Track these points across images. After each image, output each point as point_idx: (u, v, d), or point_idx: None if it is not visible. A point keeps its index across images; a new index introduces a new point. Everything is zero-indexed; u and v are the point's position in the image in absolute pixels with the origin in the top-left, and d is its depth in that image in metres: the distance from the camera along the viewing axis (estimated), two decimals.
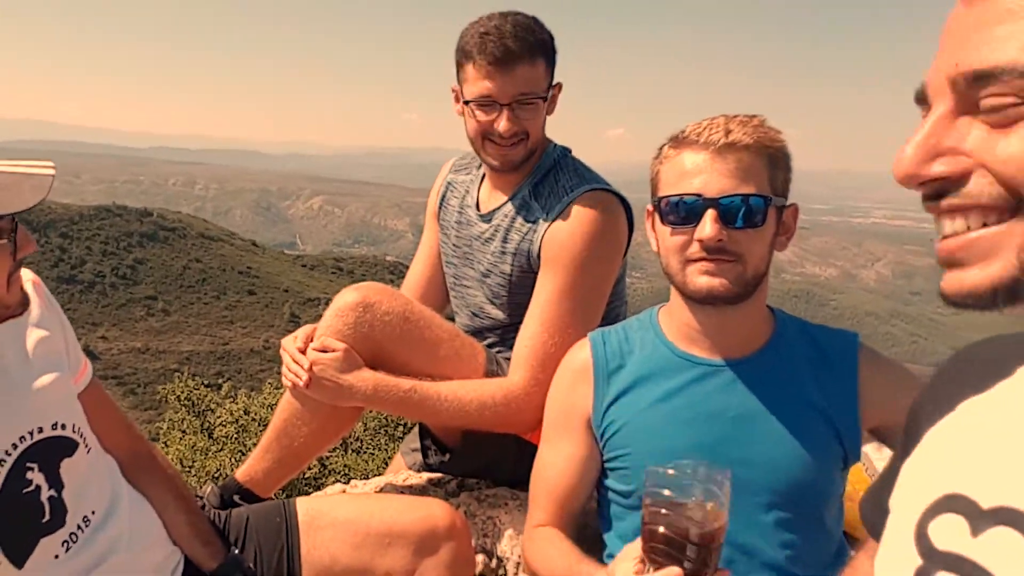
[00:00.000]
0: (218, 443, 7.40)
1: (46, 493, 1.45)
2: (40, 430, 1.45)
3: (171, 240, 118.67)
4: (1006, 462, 0.71)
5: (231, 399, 8.15)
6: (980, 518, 0.69)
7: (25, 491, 1.42)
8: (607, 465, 1.62)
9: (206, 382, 8.72)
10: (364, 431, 7.52)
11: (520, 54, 1.97)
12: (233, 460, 6.92)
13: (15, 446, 1.41)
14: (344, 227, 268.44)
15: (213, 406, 8.11)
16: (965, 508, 0.71)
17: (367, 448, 7.35)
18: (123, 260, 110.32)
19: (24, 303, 1.42)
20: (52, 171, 1.29)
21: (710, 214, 1.40)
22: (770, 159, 1.45)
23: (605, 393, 1.63)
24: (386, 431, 7.54)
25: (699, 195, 1.42)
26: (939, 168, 0.70)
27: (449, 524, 1.77)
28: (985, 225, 0.67)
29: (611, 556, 1.70)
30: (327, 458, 7.06)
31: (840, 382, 1.52)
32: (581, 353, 1.71)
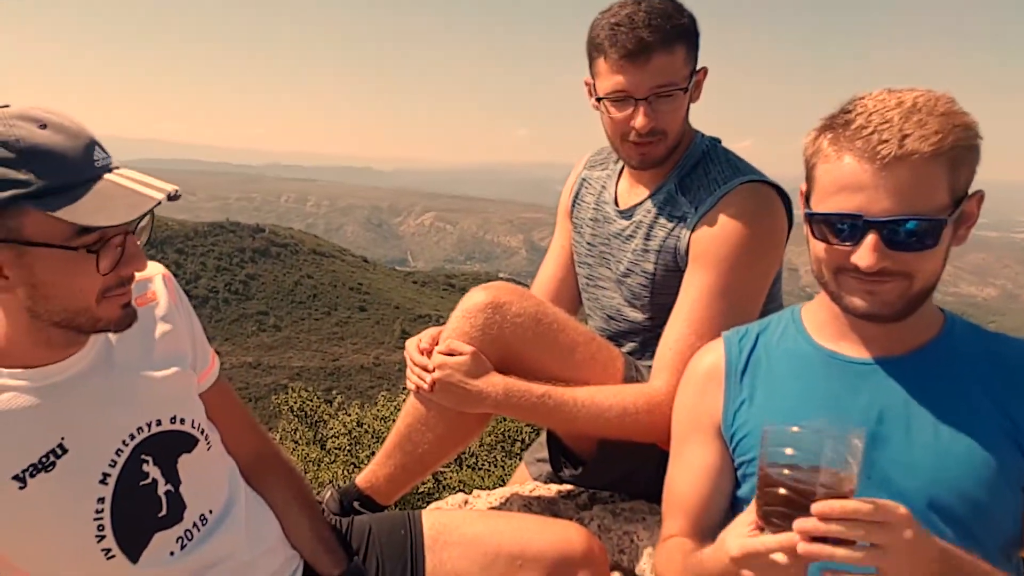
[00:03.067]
0: (331, 454, 7.59)
1: (163, 487, 1.47)
2: (158, 423, 1.48)
3: (283, 256, 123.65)
4: None
5: (343, 411, 8.37)
6: None
7: (142, 483, 1.45)
8: (739, 472, 1.54)
9: (319, 396, 8.99)
10: (480, 447, 7.55)
11: (655, 44, 1.90)
12: (346, 471, 7.07)
13: (132, 437, 1.44)
14: (456, 243, 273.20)
15: (326, 417, 8.35)
16: None
17: (483, 464, 7.37)
18: (236, 276, 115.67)
19: (125, 322, 1.40)
20: (161, 195, 1.28)
21: (871, 239, 1.26)
22: (953, 162, 1.27)
23: (737, 396, 1.55)
24: (503, 447, 7.55)
25: (860, 215, 1.28)
26: None
27: (586, 550, 1.71)
28: None
29: None
30: (442, 473, 7.12)
31: (1021, 385, 1.37)
32: (713, 354, 1.63)
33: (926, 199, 1.26)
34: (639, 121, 1.96)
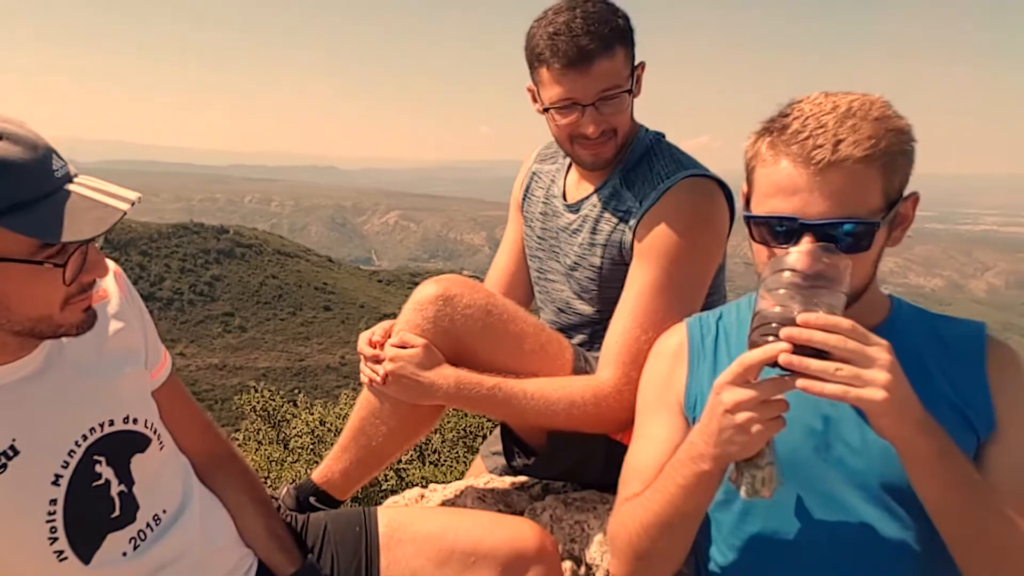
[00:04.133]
0: (294, 453, 7.54)
1: (116, 488, 1.45)
2: (111, 423, 1.45)
3: (248, 257, 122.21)
4: None
5: (307, 410, 8.31)
6: None
7: (95, 484, 1.42)
8: None
9: (282, 395, 8.93)
10: (442, 443, 7.54)
11: (596, 50, 1.89)
12: (308, 470, 7.01)
13: (84, 437, 1.41)
14: (420, 242, 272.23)
15: (289, 417, 8.29)
16: None
17: (445, 460, 7.36)
18: (200, 277, 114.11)
19: (85, 325, 1.39)
20: (125, 205, 1.27)
21: (806, 242, 1.27)
22: (886, 167, 1.29)
23: (699, 376, 1.57)
24: (464, 442, 7.54)
25: (795, 218, 1.29)
26: None
27: (538, 546, 1.72)
28: None
29: (703, 562, 1.64)
30: (404, 469, 7.10)
31: (967, 371, 1.40)
32: (677, 335, 1.65)
33: (860, 202, 1.28)
34: (589, 128, 1.97)
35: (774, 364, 1.21)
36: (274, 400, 8.57)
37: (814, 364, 1.17)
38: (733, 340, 1.58)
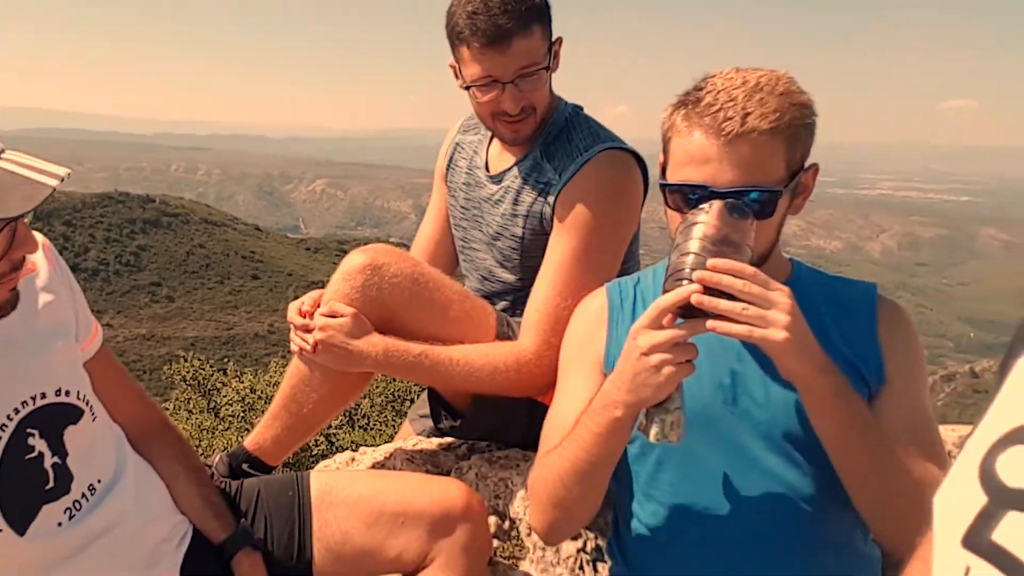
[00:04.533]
0: (225, 422, 7.41)
1: (49, 460, 1.42)
2: (43, 396, 1.42)
3: (174, 226, 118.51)
4: None
5: (236, 378, 8.16)
6: None
7: (27, 457, 1.40)
8: None
9: (212, 364, 8.74)
10: (371, 407, 7.51)
11: (514, 29, 1.89)
12: (240, 438, 6.90)
13: (16, 411, 1.38)
14: (347, 210, 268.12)
15: (219, 385, 8.13)
16: None
17: (374, 424, 7.34)
18: (127, 247, 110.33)
19: (11, 303, 1.37)
20: (55, 182, 1.23)
21: (715, 208, 1.32)
22: (790, 139, 1.35)
23: (618, 337, 1.59)
24: (392, 406, 7.53)
25: (706, 186, 1.35)
26: None
27: (465, 505, 1.74)
28: None
29: (617, 516, 1.69)
30: (334, 434, 7.05)
31: (860, 328, 1.47)
32: (597, 300, 1.68)
33: (765, 172, 1.34)
34: (508, 105, 1.98)
35: (685, 312, 1.27)
36: (204, 369, 8.38)
37: (723, 304, 1.23)
38: (650, 302, 1.56)
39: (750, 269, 1.25)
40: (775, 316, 1.24)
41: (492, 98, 1.99)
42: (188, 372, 8.26)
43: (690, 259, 1.27)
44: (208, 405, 8.02)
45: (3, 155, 1.24)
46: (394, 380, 7.49)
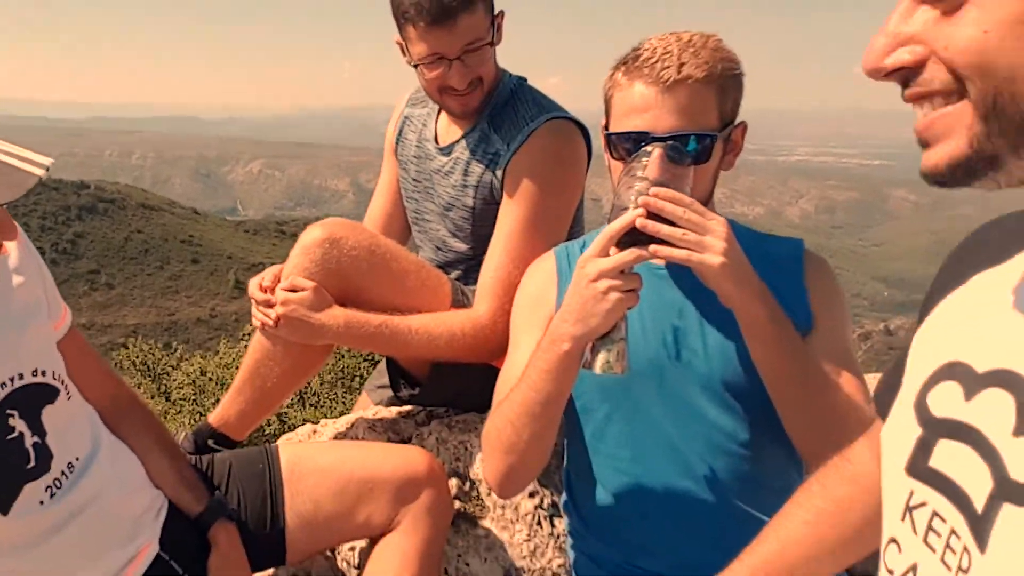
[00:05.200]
0: (176, 405, 7.29)
1: (30, 440, 1.42)
2: (20, 376, 1.41)
3: (111, 212, 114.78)
4: (1005, 329, 0.72)
5: (186, 361, 8.02)
6: (974, 382, 0.71)
7: (9, 437, 1.39)
8: None
9: (160, 348, 8.56)
10: (321, 385, 7.47)
11: (458, 7, 1.90)
12: (192, 421, 6.82)
13: None
14: (285, 190, 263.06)
15: (169, 369, 7.98)
16: (962, 374, 0.72)
17: (325, 402, 7.31)
18: (63, 235, 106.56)
19: None
20: (40, 171, 1.20)
21: (656, 153, 1.38)
22: (721, 88, 1.44)
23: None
24: (343, 383, 7.50)
25: (647, 132, 1.42)
26: (898, 58, 0.70)
27: (427, 471, 1.78)
28: (944, 107, 0.68)
29: (569, 471, 1.74)
30: (285, 414, 7.01)
31: (789, 281, 1.52)
32: (546, 262, 1.73)
33: (701, 118, 1.42)
34: (455, 80, 1.99)
35: (630, 242, 1.31)
36: (153, 353, 8.22)
37: (664, 228, 1.28)
38: None
39: (688, 199, 1.31)
40: (712, 242, 1.30)
41: (439, 75, 2.00)
42: (137, 357, 8.09)
43: (634, 192, 1.32)
44: (159, 389, 7.87)
45: None
46: (342, 357, 7.45)
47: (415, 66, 2.03)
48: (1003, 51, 0.63)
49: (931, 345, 0.79)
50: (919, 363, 0.79)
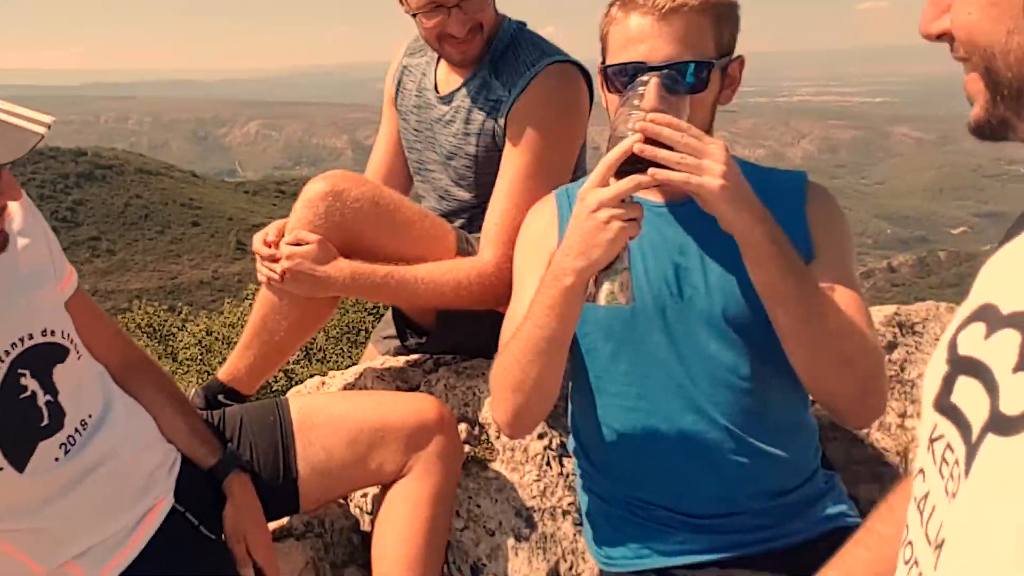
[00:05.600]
0: (183, 365, 7.34)
1: (43, 398, 1.44)
2: (30, 336, 1.43)
3: (109, 178, 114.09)
4: None
5: (192, 322, 8.04)
6: (997, 323, 0.72)
7: (22, 396, 1.41)
8: None
9: (165, 310, 8.58)
10: (326, 340, 7.51)
11: None
12: (200, 380, 6.88)
13: (7, 352, 1.39)
14: (283, 150, 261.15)
15: (175, 330, 8.00)
16: (990, 315, 0.74)
17: (331, 356, 7.35)
18: (62, 203, 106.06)
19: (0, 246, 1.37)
20: (42, 129, 1.21)
21: (654, 82, 1.37)
22: (717, 17, 1.43)
23: None
24: (348, 337, 7.54)
25: (644, 62, 1.41)
26: (940, 25, 0.76)
27: (437, 417, 1.80)
28: (970, 73, 0.75)
29: (574, 412, 1.76)
30: (292, 370, 7.06)
31: (790, 211, 1.51)
32: (547, 204, 1.72)
33: (698, 46, 1.42)
34: (455, 28, 1.97)
35: (628, 171, 1.29)
36: (159, 315, 8.24)
37: (662, 153, 1.27)
38: None
39: (686, 124, 1.29)
40: (710, 165, 1.28)
41: (438, 23, 1.97)
42: (143, 319, 8.12)
43: (632, 119, 1.30)
44: (165, 350, 7.92)
45: None
46: (347, 312, 7.48)
47: (413, 15, 2.00)
48: (982, 30, 0.70)
49: (978, 286, 0.81)
50: (964, 304, 0.81)
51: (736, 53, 1.51)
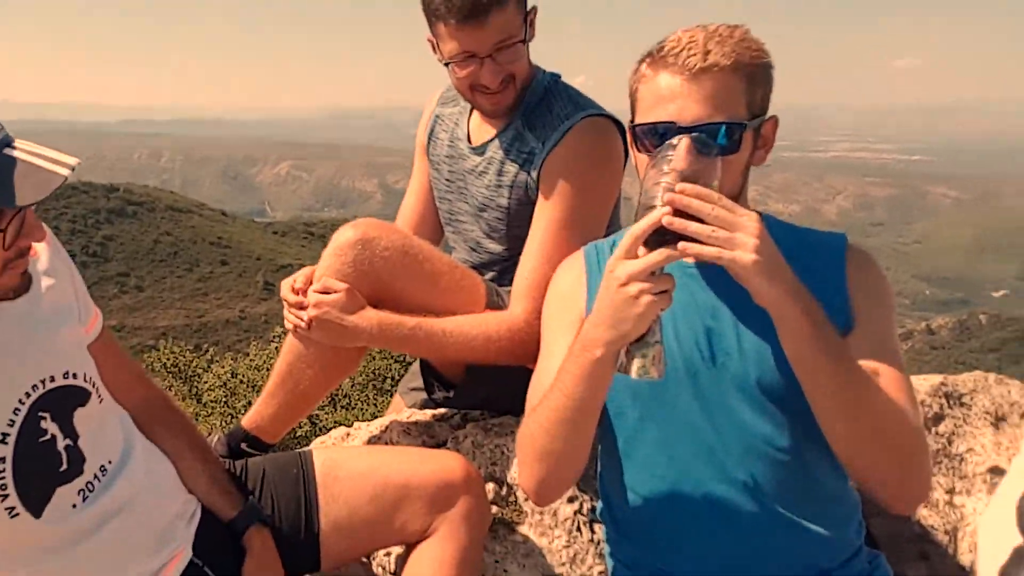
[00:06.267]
0: (207, 408, 7.35)
1: (62, 442, 1.42)
2: (52, 379, 1.42)
3: (140, 215, 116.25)
4: None
5: (217, 363, 8.08)
6: None
7: (41, 440, 1.39)
8: None
9: (191, 351, 8.63)
10: (352, 387, 7.49)
11: (489, 4, 1.88)
12: (224, 423, 6.88)
13: (28, 394, 1.38)
14: (313, 191, 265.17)
15: (199, 371, 8.04)
16: None
17: (356, 403, 7.33)
18: (92, 238, 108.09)
19: (22, 289, 1.38)
20: (66, 171, 1.23)
21: (684, 143, 1.34)
22: (749, 78, 1.41)
23: (596, 294, 1.61)
24: (374, 385, 7.52)
25: (674, 122, 1.39)
26: None
27: (464, 477, 1.76)
28: None
29: (603, 476, 1.70)
30: (317, 416, 7.04)
31: (829, 274, 1.48)
32: (575, 260, 1.70)
33: (728, 107, 1.39)
34: (487, 79, 1.97)
35: (658, 242, 1.26)
36: (184, 355, 8.30)
37: (692, 226, 1.23)
38: None
39: (716, 194, 1.26)
40: (743, 239, 1.24)
41: (470, 72, 1.98)
42: (168, 359, 8.18)
43: (661, 187, 1.27)
44: (190, 391, 7.95)
45: (13, 144, 1.24)
46: (373, 360, 7.47)
47: (446, 64, 2.01)
48: None
49: None
50: None
51: (769, 111, 1.49)
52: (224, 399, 7.30)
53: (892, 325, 1.50)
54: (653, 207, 1.27)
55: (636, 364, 1.30)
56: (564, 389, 1.39)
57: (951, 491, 2.14)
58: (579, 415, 1.40)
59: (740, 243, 1.24)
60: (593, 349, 1.33)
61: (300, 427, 6.61)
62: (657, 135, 1.41)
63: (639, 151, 1.47)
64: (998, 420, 2.25)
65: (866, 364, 1.38)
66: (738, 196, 1.47)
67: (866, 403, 1.32)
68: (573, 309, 1.62)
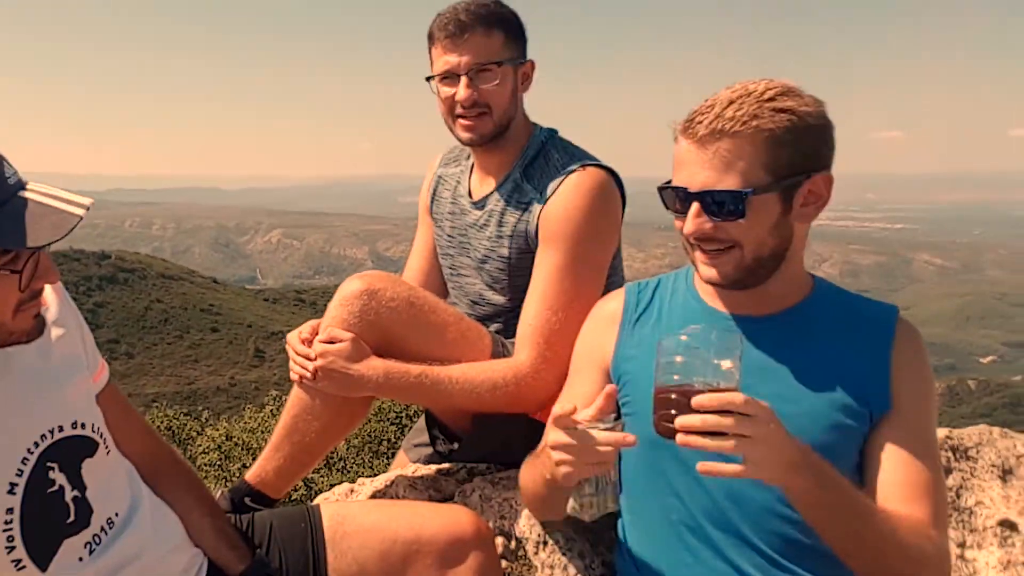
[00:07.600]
0: (202, 471, 7.24)
1: (70, 493, 1.40)
2: (60, 428, 1.40)
3: (131, 282, 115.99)
4: None
5: (211, 426, 7.98)
6: None
7: (49, 491, 1.37)
8: (621, 411, 1.59)
9: (185, 414, 8.53)
10: (347, 449, 7.40)
11: (472, 24, 2.01)
12: (219, 486, 6.74)
13: (37, 444, 1.36)
14: (303, 259, 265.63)
15: (193, 435, 7.94)
16: None
17: (351, 467, 7.22)
18: (83, 304, 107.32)
19: (35, 332, 1.38)
20: (81, 211, 1.24)
21: (694, 208, 1.38)
22: (766, 142, 1.37)
23: (629, 339, 1.61)
24: (369, 447, 7.43)
25: (684, 188, 1.42)
26: None
27: (474, 531, 1.74)
28: None
29: (623, 524, 1.69)
30: (311, 479, 6.93)
31: (874, 349, 1.47)
32: (616, 300, 1.71)
33: (734, 173, 1.37)
34: (460, 93, 2.05)
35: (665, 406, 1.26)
36: (178, 419, 8.20)
37: (711, 444, 1.21)
38: (666, 310, 1.63)
39: (738, 398, 1.21)
40: (761, 445, 1.22)
41: (452, 93, 2.06)
42: (163, 423, 8.08)
43: (697, 381, 1.25)
44: (184, 455, 7.84)
45: (28, 186, 1.25)
46: (369, 422, 7.39)
47: (431, 80, 2.11)
48: None
49: None
50: None
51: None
52: (219, 462, 7.19)
53: (933, 413, 1.48)
54: (668, 378, 1.26)
55: (570, 503, 1.41)
56: (536, 471, 1.48)
57: (962, 545, 2.12)
58: (549, 493, 1.49)
59: (754, 459, 1.23)
60: (544, 471, 1.42)
61: (295, 491, 6.51)
62: (674, 197, 1.44)
63: (668, 208, 1.48)
64: (1005, 473, 2.25)
65: (897, 453, 1.38)
66: (778, 260, 1.46)
67: (885, 547, 1.32)
68: (599, 353, 1.65)
